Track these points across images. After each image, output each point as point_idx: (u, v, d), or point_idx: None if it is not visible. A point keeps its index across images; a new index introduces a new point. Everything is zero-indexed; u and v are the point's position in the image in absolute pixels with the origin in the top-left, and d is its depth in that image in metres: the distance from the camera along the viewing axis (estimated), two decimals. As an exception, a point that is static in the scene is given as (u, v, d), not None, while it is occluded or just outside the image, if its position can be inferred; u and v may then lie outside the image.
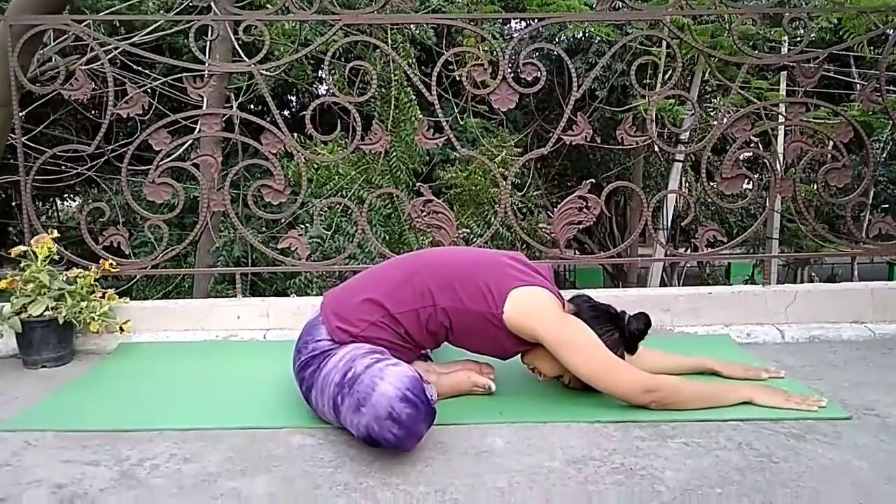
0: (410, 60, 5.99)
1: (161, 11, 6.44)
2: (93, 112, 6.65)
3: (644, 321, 1.91)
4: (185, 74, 2.68)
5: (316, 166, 5.80)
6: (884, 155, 8.54)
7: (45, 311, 2.30)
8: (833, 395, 1.92)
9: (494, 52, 2.69)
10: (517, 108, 3.01)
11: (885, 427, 1.70)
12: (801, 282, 9.10)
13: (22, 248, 2.41)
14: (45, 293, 2.34)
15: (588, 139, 2.69)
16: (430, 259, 1.89)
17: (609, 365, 1.75)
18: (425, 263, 1.85)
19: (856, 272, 9.15)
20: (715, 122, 6.54)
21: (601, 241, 10.56)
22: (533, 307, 1.78)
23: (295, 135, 3.18)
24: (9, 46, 2.58)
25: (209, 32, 2.74)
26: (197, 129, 3.03)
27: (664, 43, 3.57)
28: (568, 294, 2.03)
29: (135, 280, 6.24)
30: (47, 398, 2.00)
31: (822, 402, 1.81)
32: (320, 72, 7.50)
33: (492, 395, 1.93)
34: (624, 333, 1.89)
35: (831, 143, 2.75)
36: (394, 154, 5.78)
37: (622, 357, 1.85)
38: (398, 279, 1.80)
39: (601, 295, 2.68)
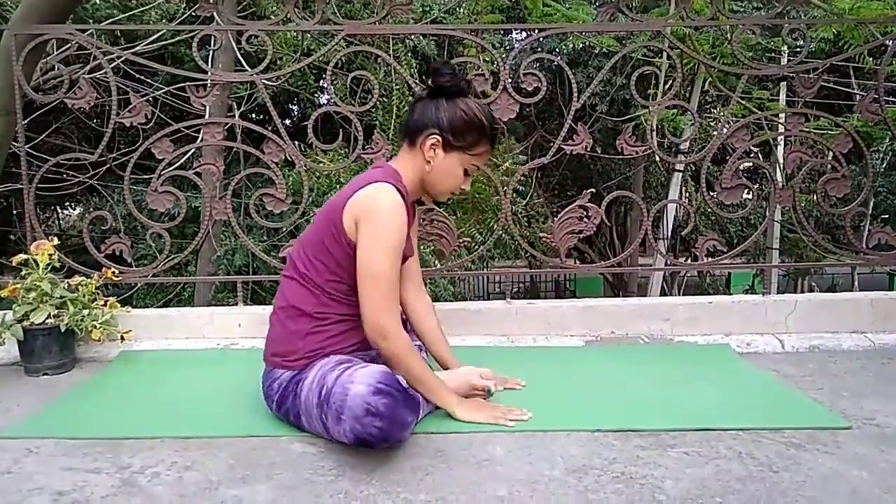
0: (412, 70, 6.02)
1: (163, 21, 6.47)
2: (95, 121, 6.67)
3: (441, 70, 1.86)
4: (187, 84, 2.69)
5: (317, 175, 5.83)
6: (883, 165, 8.57)
7: (46, 318, 2.31)
8: (833, 405, 1.92)
9: (495, 63, 2.71)
10: (518, 118, 3.03)
11: (885, 437, 1.70)
12: (802, 292, 9.11)
13: (23, 256, 2.41)
14: (46, 301, 2.34)
15: (588, 149, 2.70)
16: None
17: (378, 274, 1.70)
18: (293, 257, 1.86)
19: (856, 282, 9.17)
20: (715, 133, 6.57)
21: (601, 251, 10.58)
22: (370, 205, 1.73)
23: (296, 143, 3.19)
24: (13, 55, 2.60)
25: (212, 42, 2.76)
26: (199, 138, 3.05)
27: (665, 54, 3.59)
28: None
29: (135, 288, 6.24)
30: (49, 406, 2.01)
31: (525, 416, 1.79)
32: (322, 81, 7.54)
33: (490, 400, 1.94)
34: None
35: (831, 153, 2.76)
36: (395, 163, 5.79)
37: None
38: (286, 284, 1.84)
39: (601, 305, 2.70)
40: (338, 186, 5.89)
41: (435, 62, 1.83)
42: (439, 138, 1.83)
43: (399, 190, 1.76)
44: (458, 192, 1.94)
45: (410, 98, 5.81)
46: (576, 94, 2.69)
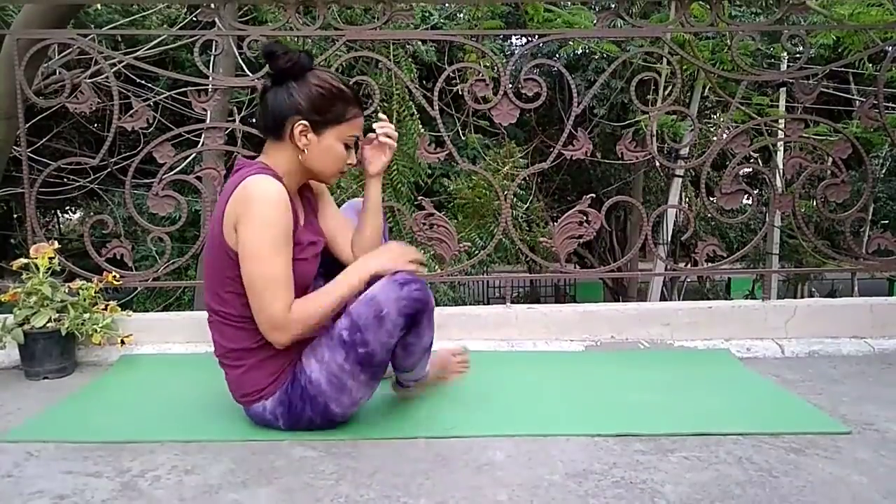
0: (412, 76, 6.04)
1: (164, 26, 6.49)
2: (96, 125, 6.68)
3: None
4: (188, 88, 2.70)
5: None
6: (883, 171, 8.58)
7: (47, 322, 2.31)
8: (833, 410, 1.92)
9: (496, 68, 2.72)
10: (518, 123, 3.04)
11: (885, 442, 1.70)
12: (802, 297, 9.11)
13: (24, 260, 2.42)
14: (47, 305, 2.34)
15: (588, 154, 2.70)
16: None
17: (266, 275, 1.61)
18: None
19: (856, 288, 9.16)
20: (715, 138, 6.57)
21: (601, 256, 10.58)
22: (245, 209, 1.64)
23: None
24: (15, 60, 2.61)
25: (213, 47, 2.77)
26: (200, 143, 3.05)
27: (665, 59, 3.60)
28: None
29: (135, 292, 6.25)
30: (49, 409, 2.01)
31: (422, 257, 1.77)
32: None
33: (490, 404, 1.94)
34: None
35: (830, 159, 2.77)
36: (395, 168, 5.80)
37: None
38: (214, 329, 1.80)
39: (601, 309, 2.70)
40: (338, 190, 5.90)
41: (266, 45, 1.73)
42: (306, 123, 1.71)
43: (276, 178, 1.68)
44: (345, 168, 1.83)
45: (410, 103, 5.82)
46: (576, 100, 2.70)
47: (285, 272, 1.64)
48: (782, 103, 6.77)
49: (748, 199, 2.77)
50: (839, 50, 5.28)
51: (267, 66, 1.74)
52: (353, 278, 1.70)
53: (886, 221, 9.38)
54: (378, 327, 1.63)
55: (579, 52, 7.60)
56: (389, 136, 1.93)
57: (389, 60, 4.23)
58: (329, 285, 1.71)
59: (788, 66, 6.23)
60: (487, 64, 3.84)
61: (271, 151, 1.77)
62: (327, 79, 1.73)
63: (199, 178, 2.80)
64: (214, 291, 1.74)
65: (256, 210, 1.61)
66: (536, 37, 3.63)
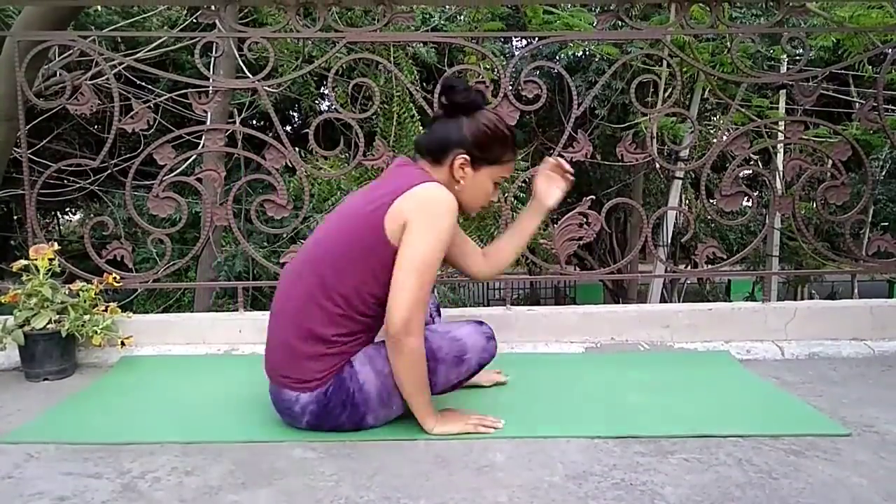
0: (413, 77, 6.04)
1: (165, 27, 6.50)
2: (96, 127, 6.69)
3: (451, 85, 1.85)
4: (189, 90, 2.70)
5: (318, 181, 5.84)
6: (883, 173, 8.58)
7: (47, 324, 2.31)
8: (833, 412, 1.92)
9: (496, 70, 2.72)
10: (518, 125, 3.03)
11: (885, 444, 1.70)
12: (801, 299, 9.11)
13: (24, 262, 2.42)
14: (47, 306, 2.35)
15: (588, 156, 2.71)
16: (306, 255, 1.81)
17: (424, 267, 1.66)
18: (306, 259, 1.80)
19: (856, 290, 9.16)
20: (715, 140, 6.58)
21: (601, 258, 10.57)
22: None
23: (297, 150, 3.20)
24: (16, 62, 2.61)
25: (214, 49, 2.77)
26: (201, 145, 3.05)
27: (665, 61, 3.60)
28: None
29: (135, 294, 6.25)
30: (49, 411, 2.01)
31: (499, 424, 1.80)
32: (323, 88, 7.56)
33: (490, 406, 1.94)
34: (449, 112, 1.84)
35: (830, 161, 2.77)
36: (395, 170, 5.80)
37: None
38: (298, 300, 1.75)
39: (601, 311, 2.70)
40: (338, 192, 5.90)
41: (447, 78, 1.79)
42: (467, 157, 1.80)
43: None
44: (488, 205, 1.95)
45: (411, 104, 5.83)
46: (576, 102, 2.70)
47: (432, 284, 1.74)
48: (782, 105, 6.77)
49: (748, 201, 2.77)
50: (839, 52, 5.28)
51: (443, 97, 1.84)
52: (427, 407, 1.78)
53: (886, 223, 9.38)
54: (454, 366, 1.80)
55: (579, 54, 7.59)
56: (568, 172, 2.11)
57: (390, 62, 4.24)
58: (426, 388, 1.75)
59: (788, 69, 6.23)
60: (487, 66, 3.85)
61: (428, 169, 1.84)
62: (494, 121, 1.84)
63: (199, 180, 2.80)
64: (342, 274, 1.70)
65: (438, 220, 1.69)
66: (536, 39, 3.63)
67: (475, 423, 1.79)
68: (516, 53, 7.16)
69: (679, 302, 8.79)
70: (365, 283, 1.70)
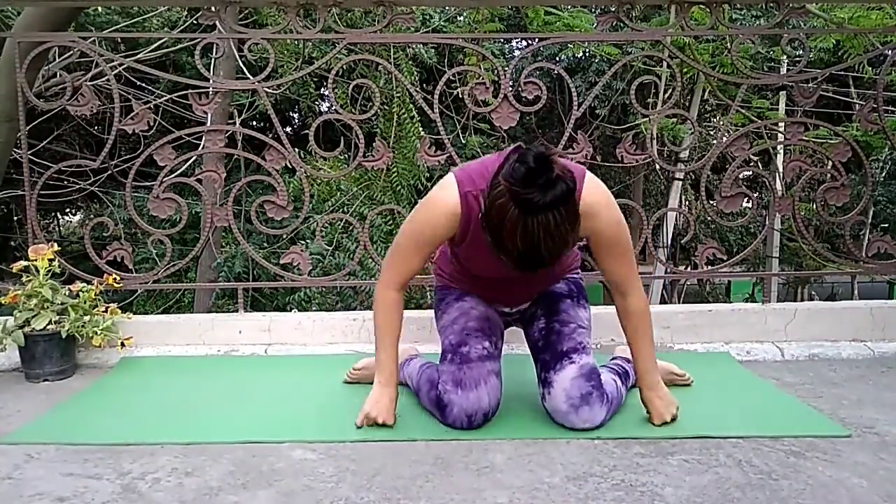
0: (413, 78, 6.04)
1: (165, 28, 6.50)
2: (96, 127, 6.69)
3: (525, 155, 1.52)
4: (189, 91, 2.70)
5: (318, 182, 5.84)
6: (882, 175, 8.58)
7: (48, 324, 2.31)
8: (832, 413, 1.92)
9: (496, 71, 2.72)
10: (518, 126, 3.03)
11: (885, 445, 1.70)
12: (802, 300, 9.11)
13: (24, 262, 2.42)
14: (47, 307, 2.34)
15: (588, 157, 2.70)
16: None
17: (396, 240, 1.87)
18: None
19: (856, 291, 9.17)
20: (715, 141, 6.59)
21: (601, 259, 10.55)
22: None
23: (297, 150, 3.20)
24: (16, 63, 2.61)
25: (214, 50, 2.77)
26: (201, 146, 3.06)
27: (665, 62, 3.61)
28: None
29: (135, 295, 6.25)
30: (49, 412, 2.01)
31: (389, 422, 1.82)
32: (323, 89, 7.56)
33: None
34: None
35: (830, 162, 2.77)
36: (395, 170, 5.81)
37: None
38: None
39: (601, 312, 2.70)
40: (338, 193, 5.91)
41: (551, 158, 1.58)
42: (482, 196, 1.63)
43: (466, 197, 1.69)
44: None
45: (411, 105, 5.83)
46: (576, 104, 2.70)
47: (407, 256, 1.87)
48: (782, 106, 6.78)
49: (748, 202, 2.77)
50: (839, 53, 5.28)
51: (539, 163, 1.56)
52: (377, 364, 1.88)
53: (886, 225, 9.39)
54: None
55: (580, 55, 7.60)
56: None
57: (390, 63, 4.24)
58: (379, 339, 1.86)
59: (788, 70, 6.24)
60: (488, 67, 3.85)
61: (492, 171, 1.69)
62: (518, 225, 1.50)
63: (199, 181, 2.80)
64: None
65: (417, 212, 1.84)
66: (537, 40, 3.63)
67: (363, 418, 1.81)
68: (516, 54, 7.17)
69: (679, 303, 8.78)
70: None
